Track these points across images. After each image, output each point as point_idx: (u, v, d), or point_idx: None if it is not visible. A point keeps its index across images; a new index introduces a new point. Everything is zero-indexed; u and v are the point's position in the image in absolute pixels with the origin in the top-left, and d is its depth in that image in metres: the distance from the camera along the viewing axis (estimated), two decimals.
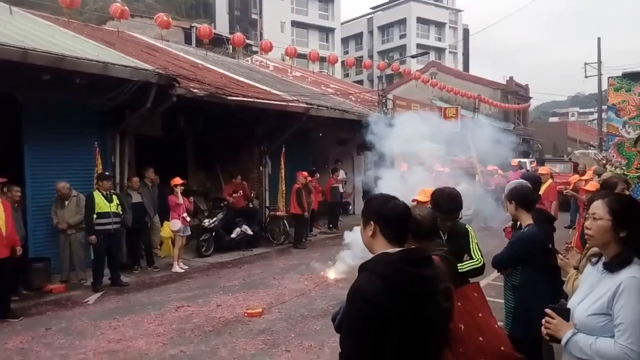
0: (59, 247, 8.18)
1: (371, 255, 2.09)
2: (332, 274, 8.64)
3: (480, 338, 2.91)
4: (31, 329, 6.08)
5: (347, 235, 8.49)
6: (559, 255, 3.29)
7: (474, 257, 3.48)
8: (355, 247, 8.16)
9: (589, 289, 2.21)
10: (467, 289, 3.16)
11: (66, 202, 8.10)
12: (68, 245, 8.13)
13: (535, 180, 5.93)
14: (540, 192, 6.46)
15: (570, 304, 2.31)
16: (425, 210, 3.08)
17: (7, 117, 7.97)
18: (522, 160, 19.01)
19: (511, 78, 36.39)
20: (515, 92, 36.02)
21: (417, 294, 1.96)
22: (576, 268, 3.10)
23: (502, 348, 2.96)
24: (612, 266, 2.14)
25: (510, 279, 3.74)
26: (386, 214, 2.08)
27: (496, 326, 3.09)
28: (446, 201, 3.42)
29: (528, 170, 15.52)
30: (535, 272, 3.54)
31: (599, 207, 2.22)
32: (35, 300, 7.28)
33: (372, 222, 2.10)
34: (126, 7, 14.92)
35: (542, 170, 9.62)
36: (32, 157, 8.13)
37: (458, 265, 3.33)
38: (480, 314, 3.04)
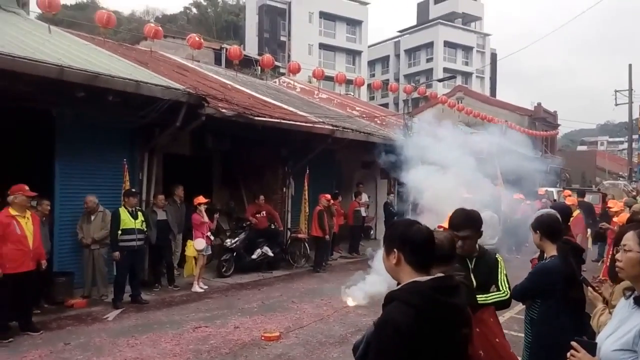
0: (82, 262, 8.29)
1: (396, 283, 2.04)
2: (351, 300, 8.49)
3: None
4: (50, 344, 6.13)
5: (369, 258, 8.35)
6: (589, 287, 3.18)
7: (501, 288, 3.32)
8: (377, 274, 8.04)
9: (619, 324, 2.13)
10: (483, 314, 3.14)
11: (92, 217, 8.22)
12: (91, 260, 8.22)
13: (565, 211, 5.76)
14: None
15: (598, 338, 2.23)
16: (444, 234, 2.99)
17: (40, 132, 8.21)
18: (549, 189, 18.62)
19: (539, 104, 35.92)
20: (543, 118, 35.49)
21: (448, 323, 1.92)
22: (606, 302, 2.99)
23: None
24: None
25: (530, 312, 3.59)
26: (411, 240, 2.01)
27: (511, 351, 3.17)
28: (458, 216, 3.26)
29: (554, 200, 15.16)
30: (555, 306, 3.36)
31: (629, 239, 2.16)
32: (56, 315, 7.36)
33: (395, 250, 2.02)
34: (160, 28, 15.34)
35: (568, 201, 9.39)
36: (62, 171, 8.28)
37: (484, 296, 3.26)
38: (497, 339, 3.10)
